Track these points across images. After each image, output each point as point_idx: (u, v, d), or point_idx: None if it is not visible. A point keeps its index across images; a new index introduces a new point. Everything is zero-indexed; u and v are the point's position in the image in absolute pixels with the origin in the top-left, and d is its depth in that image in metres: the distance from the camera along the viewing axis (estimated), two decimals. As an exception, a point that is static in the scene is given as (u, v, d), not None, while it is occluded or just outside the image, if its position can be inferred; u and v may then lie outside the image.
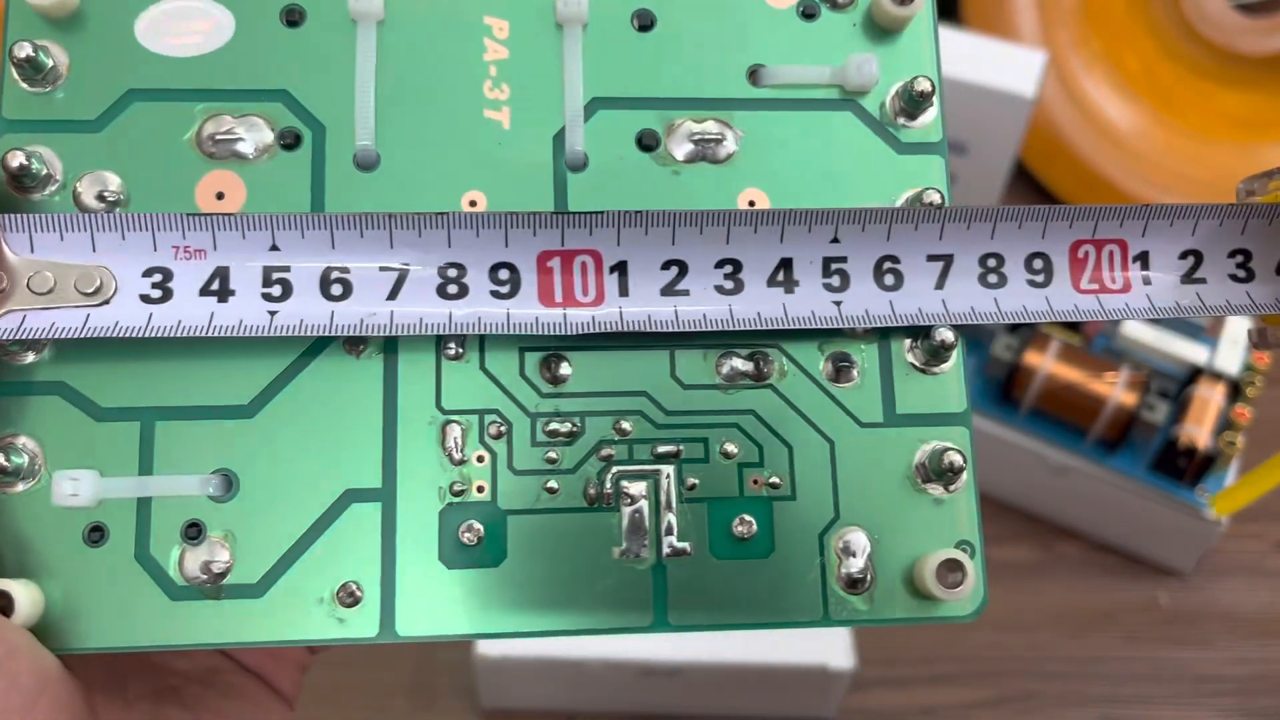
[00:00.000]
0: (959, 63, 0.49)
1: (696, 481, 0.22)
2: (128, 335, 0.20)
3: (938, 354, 0.22)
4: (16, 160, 0.21)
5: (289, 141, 0.22)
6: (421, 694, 0.45)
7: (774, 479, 0.22)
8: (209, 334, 0.21)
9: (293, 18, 0.23)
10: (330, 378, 0.21)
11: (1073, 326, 0.48)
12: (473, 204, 0.22)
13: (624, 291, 0.22)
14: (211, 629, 0.21)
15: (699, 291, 0.22)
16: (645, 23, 0.23)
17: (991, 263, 0.23)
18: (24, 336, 0.20)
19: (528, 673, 0.43)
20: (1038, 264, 0.23)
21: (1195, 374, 0.47)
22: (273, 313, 0.21)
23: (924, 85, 0.23)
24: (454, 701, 0.46)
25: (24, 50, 0.21)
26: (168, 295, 0.21)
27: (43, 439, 0.21)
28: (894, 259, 0.22)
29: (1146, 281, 0.23)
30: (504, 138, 0.23)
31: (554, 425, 0.22)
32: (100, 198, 0.22)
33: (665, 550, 0.21)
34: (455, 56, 0.23)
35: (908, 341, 0.23)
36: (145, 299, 0.21)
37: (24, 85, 0.22)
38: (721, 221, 0.22)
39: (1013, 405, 0.48)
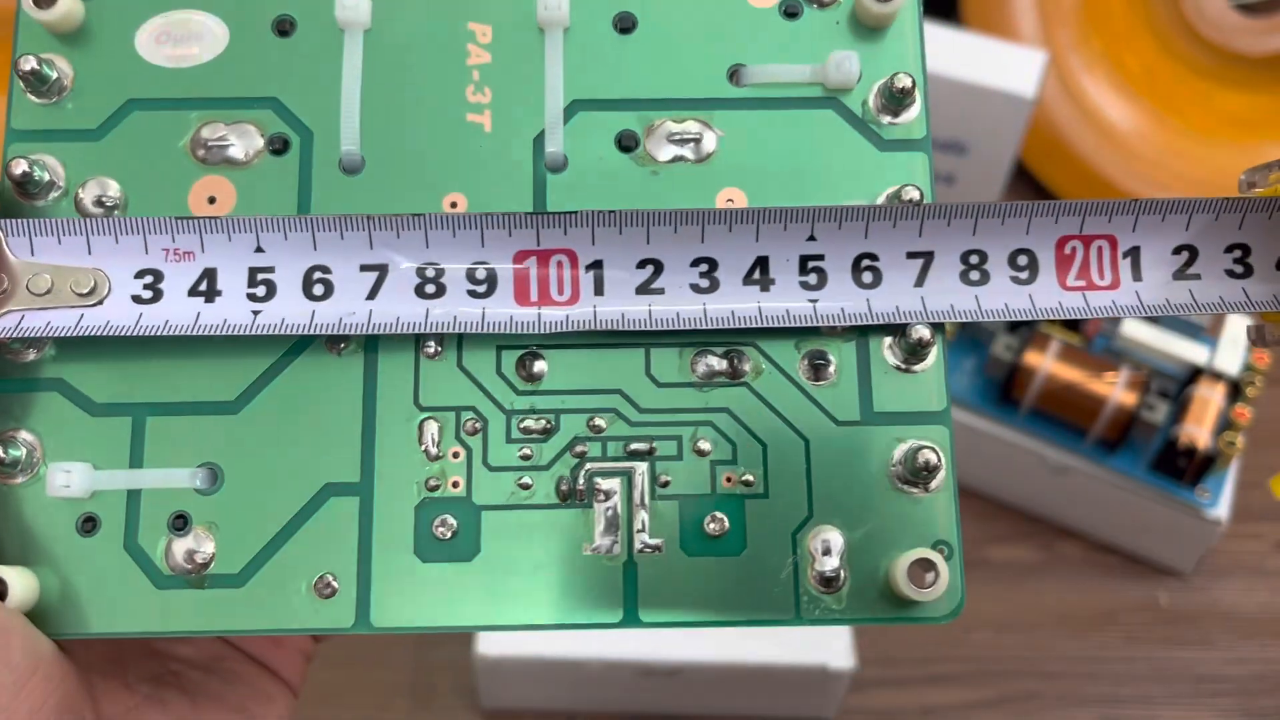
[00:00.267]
0: (959, 63, 0.49)
1: (669, 479, 0.22)
2: (118, 334, 0.21)
3: (916, 352, 0.22)
4: (20, 168, 0.22)
5: (277, 147, 0.23)
6: (421, 694, 0.46)
7: (747, 477, 0.22)
8: (194, 333, 0.21)
9: (283, 27, 0.23)
10: (312, 375, 0.22)
11: (1072, 326, 0.48)
12: (454, 205, 0.23)
13: (599, 290, 0.22)
14: (194, 617, 0.21)
15: (674, 290, 0.22)
16: (626, 25, 0.23)
17: (974, 259, 0.22)
18: (21, 335, 0.21)
19: (528, 673, 0.43)
20: (1022, 260, 0.22)
21: (1195, 374, 0.47)
22: (256, 312, 0.22)
23: (904, 81, 0.23)
24: (454, 701, 0.46)
25: (29, 64, 0.22)
26: (158, 296, 0.22)
27: (41, 433, 0.22)
28: (872, 257, 0.22)
29: (1136, 278, 0.23)
30: (485, 140, 0.23)
31: (528, 422, 0.22)
32: (99, 203, 0.23)
33: (637, 546, 0.22)
34: (439, 62, 0.23)
35: (888, 340, 0.22)
36: (137, 299, 0.22)
37: (31, 97, 0.23)
38: (696, 220, 0.22)
39: (1013, 405, 0.48)
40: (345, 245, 0.22)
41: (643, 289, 0.22)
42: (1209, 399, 0.45)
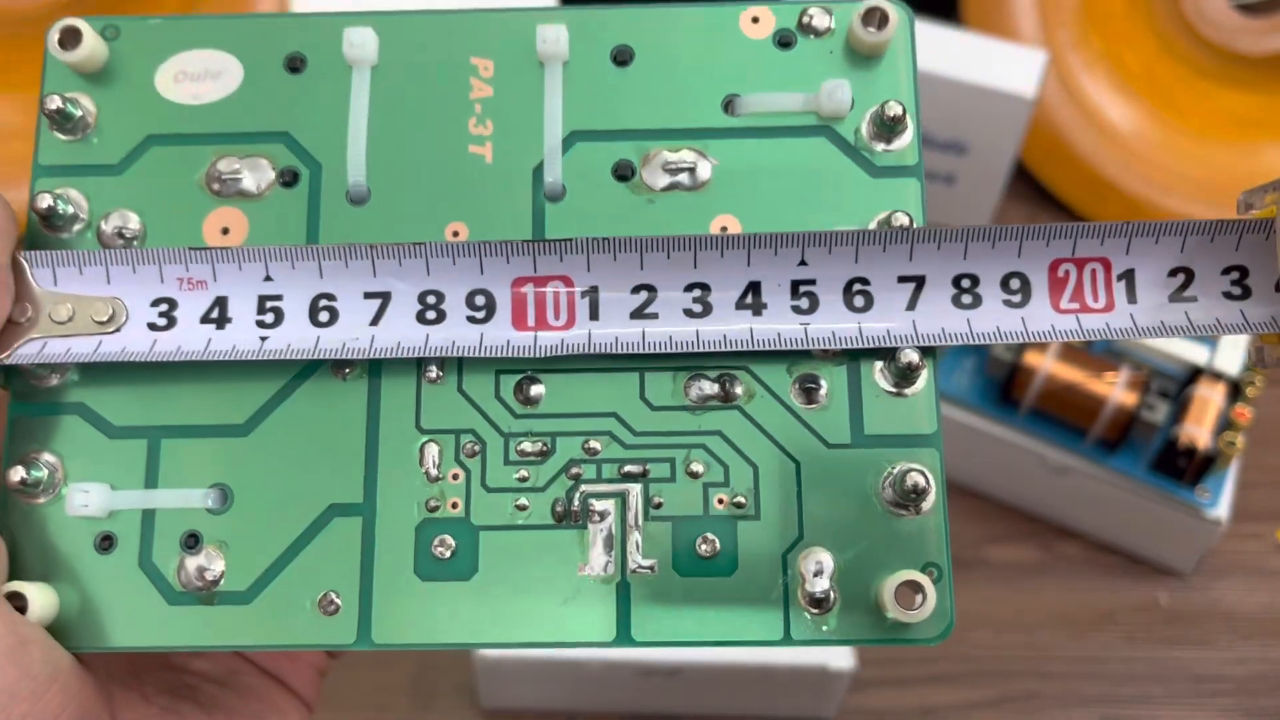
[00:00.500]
0: (959, 63, 0.49)
1: (662, 500, 0.22)
2: (133, 360, 0.22)
3: (906, 375, 0.22)
4: (45, 202, 0.23)
5: (288, 179, 0.24)
6: (421, 694, 0.47)
7: (739, 498, 0.22)
8: (205, 358, 0.22)
9: (294, 65, 0.24)
10: (318, 399, 0.23)
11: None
12: (456, 234, 0.23)
13: (594, 314, 0.23)
14: (204, 632, 0.22)
15: (667, 315, 0.23)
16: (624, 58, 0.24)
17: (966, 283, 0.23)
18: (43, 361, 0.22)
19: (527, 673, 0.44)
20: (1014, 284, 0.23)
21: (1195, 374, 0.46)
22: (264, 338, 0.23)
23: (895, 109, 0.23)
24: (454, 701, 0.47)
25: (54, 103, 0.24)
26: (172, 323, 0.23)
27: (63, 454, 0.23)
28: (864, 281, 0.23)
29: (1131, 300, 0.23)
30: (487, 171, 0.24)
31: (525, 445, 0.23)
32: (120, 234, 0.24)
33: (630, 567, 0.22)
34: (443, 96, 0.24)
35: (879, 364, 0.23)
36: (152, 326, 0.23)
37: (57, 134, 0.24)
38: (688, 247, 0.22)
39: (1013, 405, 0.48)
40: (350, 273, 0.23)
41: (637, 313, 0.23)
42: (1209, 399, 0.45)
